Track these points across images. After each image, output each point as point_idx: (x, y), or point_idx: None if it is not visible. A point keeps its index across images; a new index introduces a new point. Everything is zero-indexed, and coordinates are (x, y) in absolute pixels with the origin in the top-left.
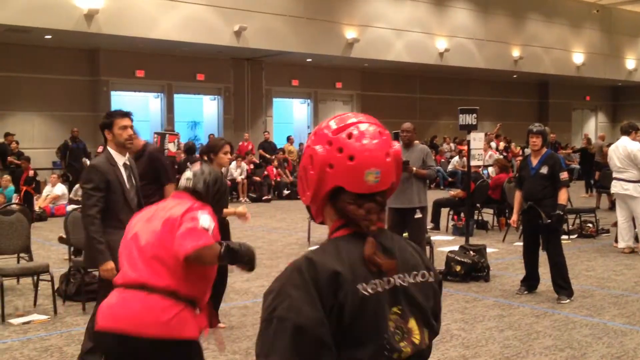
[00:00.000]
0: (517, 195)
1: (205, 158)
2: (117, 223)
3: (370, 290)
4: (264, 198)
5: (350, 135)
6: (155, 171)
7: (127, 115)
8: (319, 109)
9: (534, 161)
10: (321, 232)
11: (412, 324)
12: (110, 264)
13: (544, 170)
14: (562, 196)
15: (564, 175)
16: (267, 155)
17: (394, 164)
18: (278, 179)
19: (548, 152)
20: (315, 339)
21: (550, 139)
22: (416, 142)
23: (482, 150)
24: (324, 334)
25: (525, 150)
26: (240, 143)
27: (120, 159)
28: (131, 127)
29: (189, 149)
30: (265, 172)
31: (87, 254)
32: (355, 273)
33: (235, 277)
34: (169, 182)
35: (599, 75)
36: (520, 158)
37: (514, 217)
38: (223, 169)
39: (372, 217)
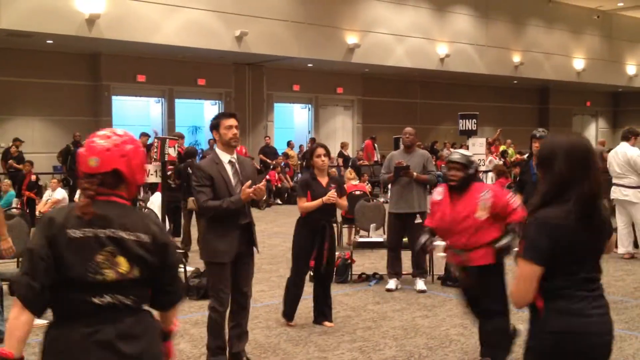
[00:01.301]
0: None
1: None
2: None
3: (79, 234)
4: None
5: (90, 140)
6: None
7: (232, 116)
8: (320, 114)
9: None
10: None
11: (121, 260)
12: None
13: None
14: None
15: None
16: (268, 161)
17: (117, 156)
18: (279, 184)
19: None
20: (37, 254)
21: None
22: (417, 144)
23: (483, 155)
24: (42, 252)
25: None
26: None
27: (226, 157)
28: (236, 127)
29: (190, 154)
30: (267, 177)
31: (205, 248)
32: (68, 221)
33: None
34: None
35: (599, 80)
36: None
37: None
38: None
39: (92, 187)
